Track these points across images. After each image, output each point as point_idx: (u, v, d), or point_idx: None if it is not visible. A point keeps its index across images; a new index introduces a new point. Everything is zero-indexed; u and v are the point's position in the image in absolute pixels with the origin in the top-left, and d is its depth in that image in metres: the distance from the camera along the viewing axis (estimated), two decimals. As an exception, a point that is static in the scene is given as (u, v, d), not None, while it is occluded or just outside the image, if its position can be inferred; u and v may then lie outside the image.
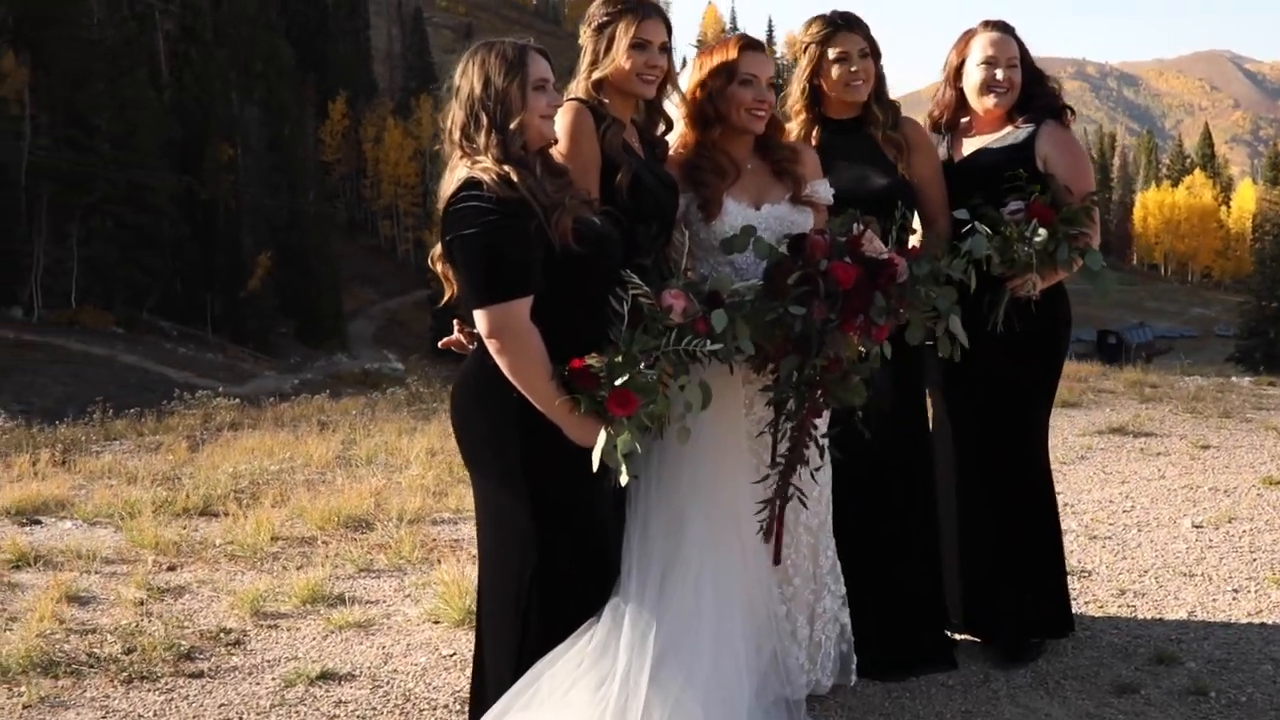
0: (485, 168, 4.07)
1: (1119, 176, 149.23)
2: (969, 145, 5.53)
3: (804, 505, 4.71)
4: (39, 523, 8.18)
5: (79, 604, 6.48)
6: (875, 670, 5.27)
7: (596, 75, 4.71)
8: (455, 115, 4.21)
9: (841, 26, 5.27)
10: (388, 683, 5.44)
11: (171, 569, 7.10)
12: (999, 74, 5.38)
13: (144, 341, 61.92)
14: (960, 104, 5.59)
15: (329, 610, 6.32)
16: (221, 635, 6.00)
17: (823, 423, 4.75)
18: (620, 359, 4.02)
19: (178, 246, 68.74)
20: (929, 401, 5.71)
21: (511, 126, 4.12)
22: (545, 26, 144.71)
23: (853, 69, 5.23)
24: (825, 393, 4.52)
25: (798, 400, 4.53)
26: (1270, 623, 5.91)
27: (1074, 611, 5.93)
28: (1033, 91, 5.46)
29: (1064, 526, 7.10)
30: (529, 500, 4.17)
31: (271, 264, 71.94)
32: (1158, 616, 6.02)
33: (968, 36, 5.52)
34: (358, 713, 5.12)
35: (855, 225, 4.61)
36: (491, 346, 4.06)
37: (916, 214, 5.39)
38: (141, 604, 6.46)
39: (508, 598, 4.29)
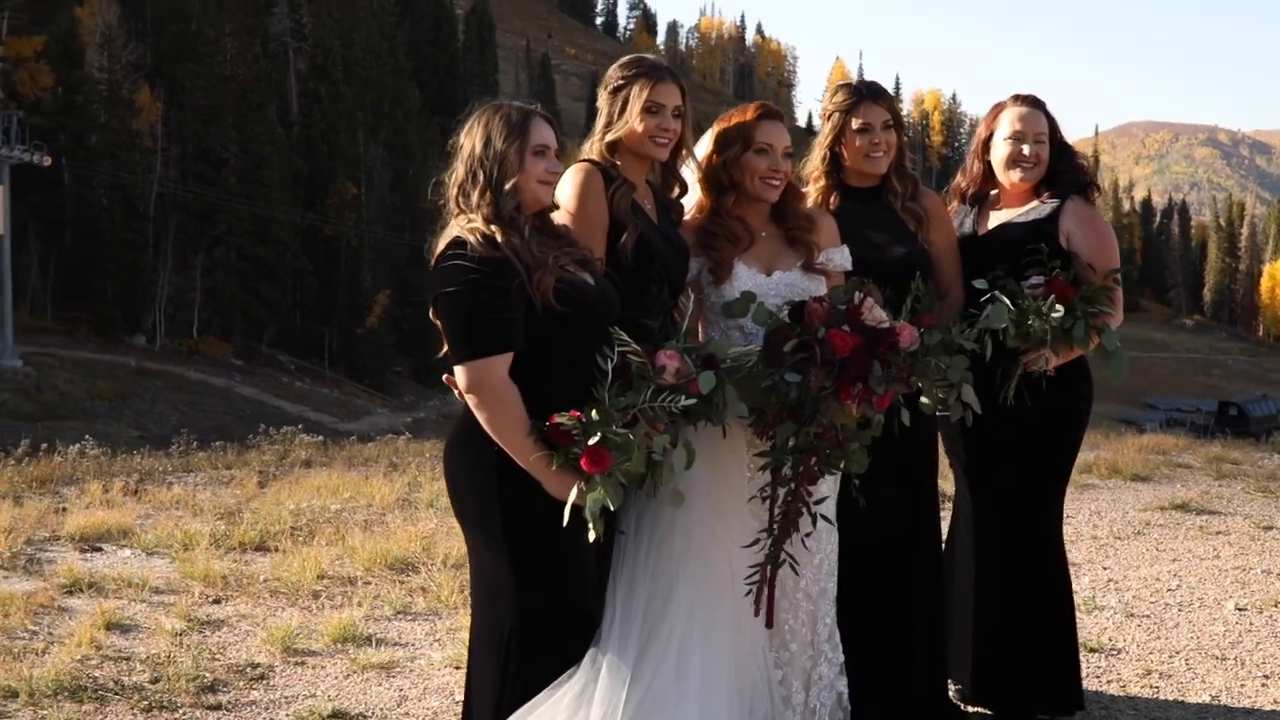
0: (473, 228, 4.18)
1: (1247, 246, 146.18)
2: (995, 218, 5.54)
3: (795, 571, 4.72)
4: (100, 550, 8.41)
5: (120, 631, 6.66)
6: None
7: (610, 137, 4.81)
8: (457, 173, 4.34)
9: (866, 97, 5.32)
10: (396, 725, 5.54)
11: (216, 602, 7.27)
12: (1025, 149, 5.39)
13: (261, 374, 63.16)
14: (988, 177, 5.60)
15: (357, 650, 6.43)
16: (248, 670, 6.14)
17: (822, 488, 4.77)
18: (596, 416, 4.09)
19: (298, 281, 70.13)
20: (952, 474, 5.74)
21: (506, 187, 4.24)
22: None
23: (874, 140, 5.27)
24: (819, 461, 4.54)
25: (793, 466, 4.55)
26: None
27: (1097, 690, 5.93)
28: (1060, 167, 5.46)
29: (1103, 603, 7.11)
30: (507, 554, 4.26)
31: (390, 302, 72.93)
32: (1179, 699, 5.94)
33: (997, 110, 5.55)
34: (360, 753, 5.21)
35: (857, 294, 4.64)
36: (470, 401, 4.17)
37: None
38: (180, 635, 6.62)
39: (490, 646, 4.36)
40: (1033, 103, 5.50)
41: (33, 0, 69.56)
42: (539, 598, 4.29)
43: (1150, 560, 8.50)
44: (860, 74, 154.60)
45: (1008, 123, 5.45)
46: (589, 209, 4.68)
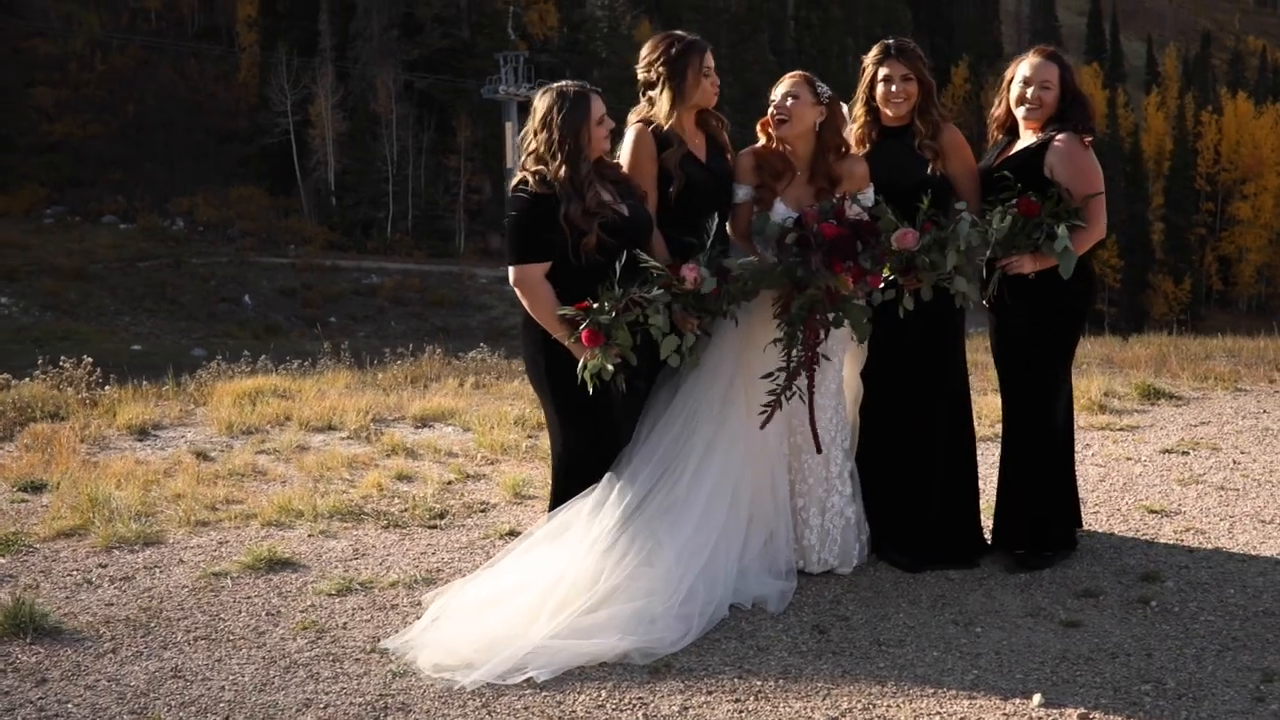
0: (532, 171, 6.02)
1: None
2: (1015, 149, 6.81)
3: (802, 400, 6.28)
4: (430, 427, 10.72)
5: (404, 480, 8.86)
6: (904, 563, 6.77)
7: (689, 104, 6.56)
8: (531, 143, 6.15)
9: (890, 55, 6.76)
10: (554, 543, 7.41)
11: (491, 463, 9.39)
12: (1030, 93, 6.66)
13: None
14: (1012, 114, 6.87)
15: (567, 496, 8.33)
16: (476, 506, 8.20)
17: (834, 359, 6.44)
18: (595, 307, 5.86)
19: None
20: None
21: (580, 158, 6.05)
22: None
23: (893, 89, 6.71)
24: (821, 316, 6.15)
25: (802, 321, 6.17)
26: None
27: (1130, 538, 7.19)
28: (1068, 111, 6.66)
29: (1206, 479, 8.24)
30: (553, 402, 6.18)
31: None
32: (1198, 547, 7.07)
33: (1019, 59, 6.83)
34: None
35: (837, 199, 6.27)
36: (517, 293, 6.04)
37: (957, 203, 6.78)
38: (447, 484, 8.76)
39: (552, 469, 6.32)
40: (1048, 55, 6.75)
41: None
42: (577, 434, 6.18)
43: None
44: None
45: (1021, 69, 6.73)
46: (638, 162, 6.50)
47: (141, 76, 74.54)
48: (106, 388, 12.01)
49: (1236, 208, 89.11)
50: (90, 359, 12.52)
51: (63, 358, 12.53)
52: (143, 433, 10.43)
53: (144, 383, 12.60)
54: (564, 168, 6.01)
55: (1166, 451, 9.18)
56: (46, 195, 67.14)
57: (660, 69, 6.52)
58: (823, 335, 6.24)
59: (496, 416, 10.73)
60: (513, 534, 7.51)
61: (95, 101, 72.67)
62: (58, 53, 74.53)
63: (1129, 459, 9.01)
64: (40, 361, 12.50)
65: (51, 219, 65.66)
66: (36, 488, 8.63)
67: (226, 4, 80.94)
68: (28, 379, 12.02)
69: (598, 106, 6.15)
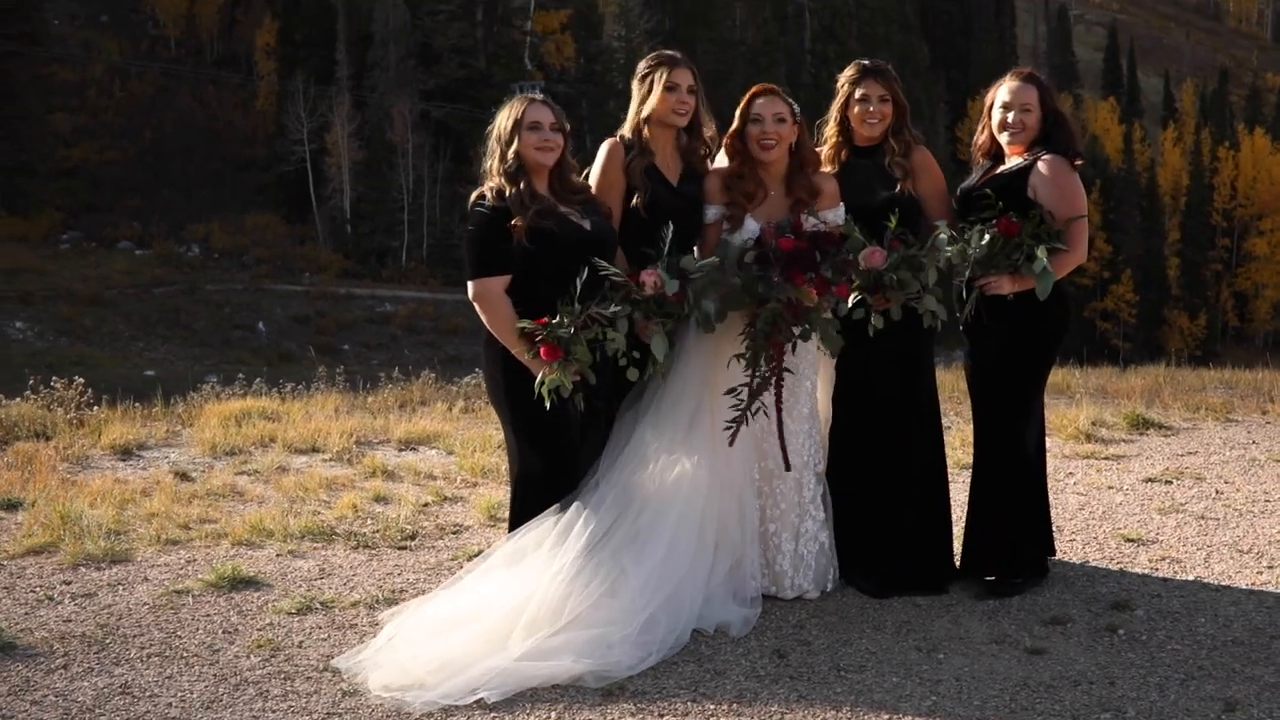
0: (490, 185, 6.01)
1: None
2: (1001, 170, 6.76)
3: (765, 415, 6.26)
4: (414, 450, 10.68)
5: (381, 502, 8.80)
6: (871, 588, 6.68)
7: (644, 113, 6.49)
8: (490, 151, 6.15)
9: (868, 75, 6.73)
10: (522, 565, 7.35)
11: (471, 486, 9.33)
12: (1010, 117, 6.62)
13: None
14: (995, 138, 6.82)
15: (542, 520, 8.28)
16: (449, 528, 8.14)
17: (803, 377, 6.38)
18: (554, 322, 5.82)
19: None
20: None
21: (509, 154, 6.01)
22: (1205, 23, 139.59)
23: (870, 109, 6.67)
24: (786, 328, 6.12)
25: (766, 333, 6.13)
26: (1272, 593, 6.74)
27: (1106, 568, 7.11)
28: (1051, 132, 6.63)
29: (1186, 508, 8.18)
30: (511, 422, 6.11)
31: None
32: (1172, 576, 6.98)
33: (998, 84, 6.79)
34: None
35: (794, 213, 6.32)
36: (476, 308, 5.98)
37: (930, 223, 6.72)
38: (423, 506, 8.71)
39: (512, 484, 6.27)
40: (1025, 77, 6.72)
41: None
42: (535, 454, 6.10)
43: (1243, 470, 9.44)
44: None
45: (1002, 94, 6.69)
46: (607, 175, 6.42)
47: (160, 103, 74.83)
48: (95, 408, 11.98)
49: (1253, 244, 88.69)
50: (82, 380, 12.49)
51: (54, 378, 12.50)
52: (126, 453, 10.39)
53: (137, 404, 12.55)
54: (492, 159, 6.08)
55: (1149, 480, 9.10)
56: (63, 220, 67.14)
57: (635, 80, 6.54)
58: (789, 349, 6.20)
59: (480, 440, 10.67)
60: (477, 555, 7.41)
61: (113, 128, 72.90)
62: (76, 79, 74.89)
63: (1110, 488, 8.92)
64: (31, 382, 12.48)
65: (68, 244, 65.68)
66: (12, 505, 8.59)
67: (245, 32, 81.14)
68: (18, 399, 12.00)
69: (531, 111, 6.11)
